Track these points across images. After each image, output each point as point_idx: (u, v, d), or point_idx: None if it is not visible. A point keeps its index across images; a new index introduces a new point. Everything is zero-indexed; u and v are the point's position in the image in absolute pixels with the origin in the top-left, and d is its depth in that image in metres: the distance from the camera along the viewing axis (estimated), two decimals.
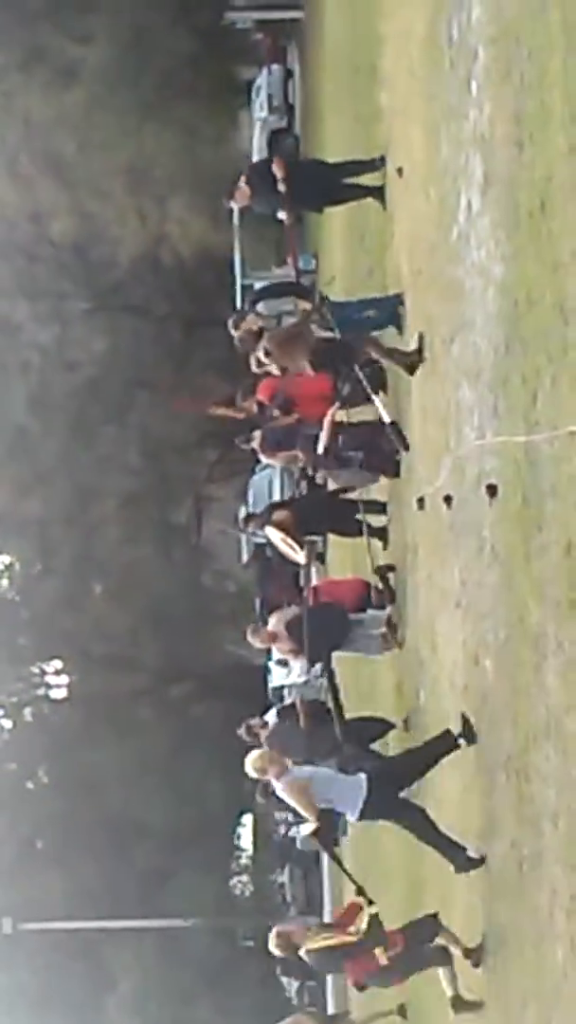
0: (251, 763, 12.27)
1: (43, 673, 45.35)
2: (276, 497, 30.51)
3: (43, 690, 45.48)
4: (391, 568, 15.83)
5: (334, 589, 16.58)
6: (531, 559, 8.76)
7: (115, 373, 40.35)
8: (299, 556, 15.88)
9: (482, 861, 10.99)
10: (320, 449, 14.93)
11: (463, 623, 11.35)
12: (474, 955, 11.18)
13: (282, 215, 15.76)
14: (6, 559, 44.58)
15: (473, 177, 10.49)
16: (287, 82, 37.44)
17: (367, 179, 16.50)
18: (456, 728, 11.52)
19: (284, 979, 38.08)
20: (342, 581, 18.02)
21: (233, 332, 16.52)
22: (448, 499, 11.74)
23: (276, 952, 12.80)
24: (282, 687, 26.63)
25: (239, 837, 46.76)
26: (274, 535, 16.08)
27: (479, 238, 10.33)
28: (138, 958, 39.76)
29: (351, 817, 12.24)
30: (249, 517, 18.45)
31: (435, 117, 12.41)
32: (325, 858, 32.20)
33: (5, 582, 44.61)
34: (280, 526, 15.87)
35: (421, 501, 13.15)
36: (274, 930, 12.90)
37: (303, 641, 14.69)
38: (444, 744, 11.82)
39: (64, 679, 45.53)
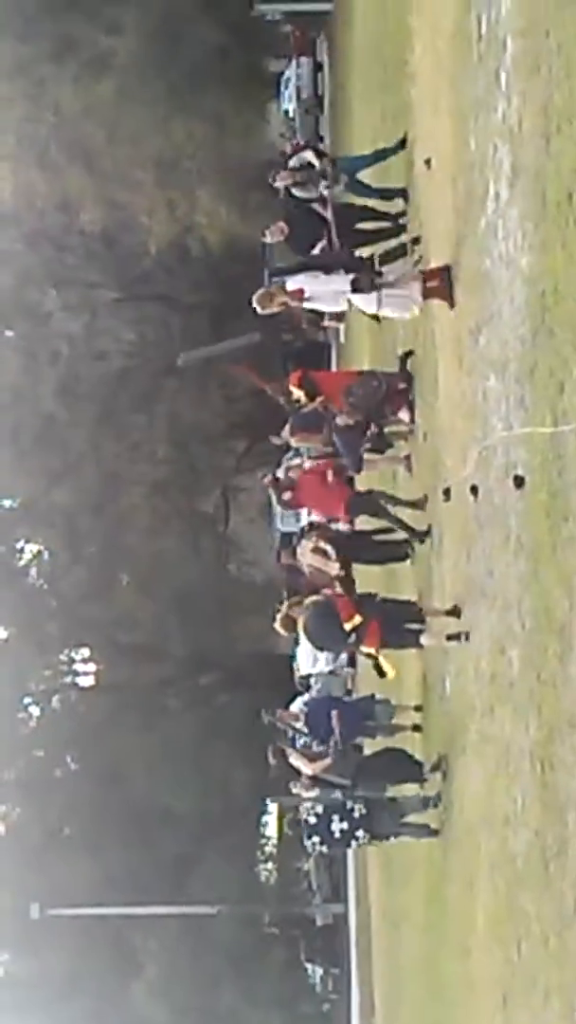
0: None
1: (71, 661, 45.53)
2: None
3: (71, 678, 45.66)
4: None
5: None
6: (557, 550, 8.80)
7: (144, 362, 40.46)
8: (333, 567, 16.29)
9: None
10: None
11: (489, 612, 11.40)
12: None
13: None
14: (35, 548, 44.73)
15: (501, 169, 10.53)
16: (316, 74, 37.47)
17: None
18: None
19: (309, 966, 38.19)
20: None
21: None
22: (475, 489, 11.79)
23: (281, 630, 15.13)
24: (308, 676, 26.62)
25: (264, 825, 46.89)
26: (306, 556, 16.48)
27: (506, 229, 10.37)
28: (164, 944, 39.94)
29: None
30: (281, 552, 18.84)
31: (463, 109, 12.45)
32: (350, 853, 32.27)
33: (34, 571, 44.76)
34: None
35: (448, 491, 13.21)
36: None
37: None
38: None
39: (92, 667, 45.70)
